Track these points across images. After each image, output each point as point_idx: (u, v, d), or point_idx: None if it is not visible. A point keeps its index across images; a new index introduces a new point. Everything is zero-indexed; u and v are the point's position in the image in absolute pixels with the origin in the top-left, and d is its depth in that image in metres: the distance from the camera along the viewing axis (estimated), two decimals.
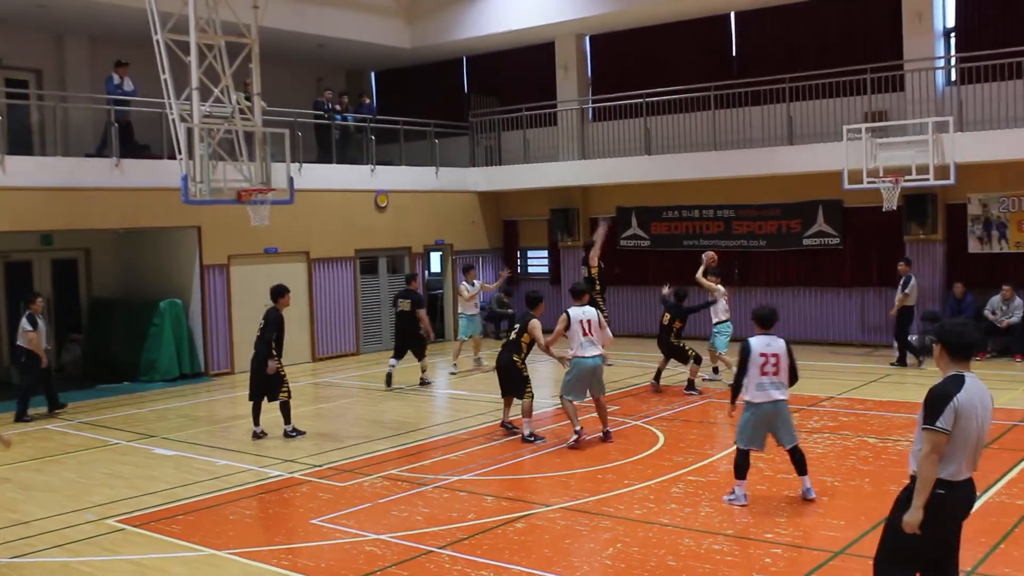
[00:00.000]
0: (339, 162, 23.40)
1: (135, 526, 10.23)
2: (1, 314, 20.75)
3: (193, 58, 15.66)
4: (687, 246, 23.76)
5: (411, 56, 27.10)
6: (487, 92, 27.52)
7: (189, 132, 15.66)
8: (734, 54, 23.78)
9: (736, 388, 10.21)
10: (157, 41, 15.83)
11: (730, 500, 10.14)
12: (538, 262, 27.29)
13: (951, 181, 18.71)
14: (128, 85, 20.00)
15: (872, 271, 21.17)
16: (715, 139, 22.26)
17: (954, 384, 5.97)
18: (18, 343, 16.61)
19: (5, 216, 17.65)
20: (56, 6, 19.87)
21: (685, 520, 9.64)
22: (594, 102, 25.39)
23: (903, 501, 6.07)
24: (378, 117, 25.33)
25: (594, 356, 12.95)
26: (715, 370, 17.80)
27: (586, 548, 9.10)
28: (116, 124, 19.22)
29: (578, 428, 13.01)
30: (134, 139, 19.94)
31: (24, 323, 16.47)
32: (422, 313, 18.34)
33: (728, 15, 23.60)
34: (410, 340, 18.39)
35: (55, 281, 21.63)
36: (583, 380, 12.99)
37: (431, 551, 9.04)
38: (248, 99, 16.74)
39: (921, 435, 5.99)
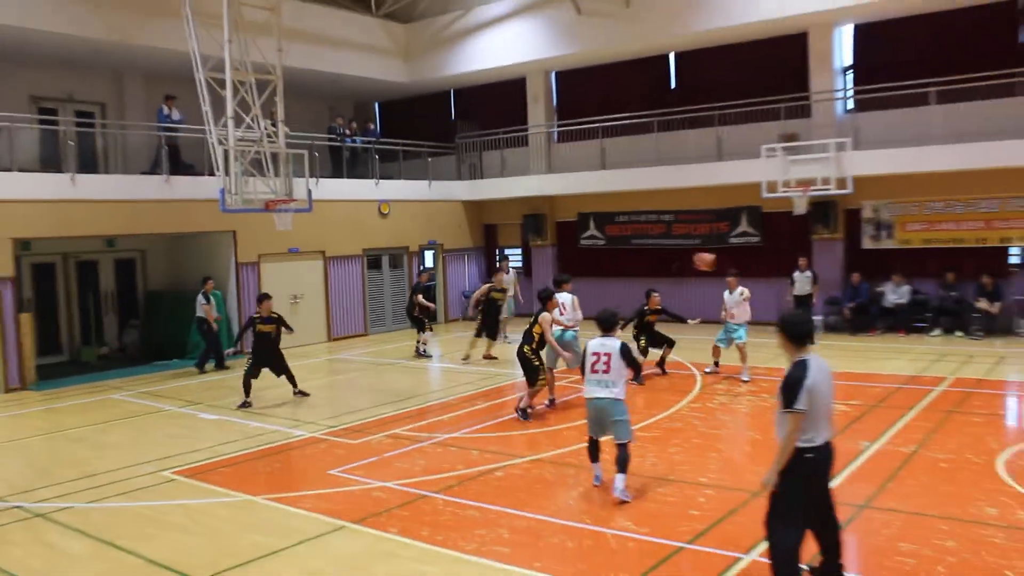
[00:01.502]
0: (349, 177, 23.32)
1: (185, 477, 10.27)
2: (73, 303, 20.63)
3: (228, 92, 15.64)
4: (635, 244, 23.91)
5: (408, 89, 27.02)
6: (471, 118, 27.48)
7: (226, 153, 15.63)
8: (672, 87, 23.82)
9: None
10: (199, 78, 15.80)
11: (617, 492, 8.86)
12: (514, 259, 27.25)
13: (849, 190, 18.84)
14: (176, 115, 19.87)
15: (784, 264, 21.29)
16: (658, 156, 22.32)
17: (801, 369, 5.97)
18: (198, 315, 18.03)
19: (77, 223, 17.55)
20: (116, 50, 19.70)
21: (636, 468, 9.54)
22: (559, 126, 25.38)
23: (783, 472, 6.07)
24: (381, 140, 25.25)
25: (565, 330, 13.50)
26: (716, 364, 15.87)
27: (554, 492, 9.17)
28: (166, 147, 19.12)
29: (552, 397, 13.34)
30: (181, 159, 19.79)
31: (200, 299, 17.91)
32: (418, 297, 19.01)
33: (667, 55, 23.63)
34: (410, 317, 19.24)
35: (117, 277, 21.52)
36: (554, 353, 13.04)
37: (428, 495, 9.12)
38: (274, 125, 16.72)
39: (782, 417, 6.00)
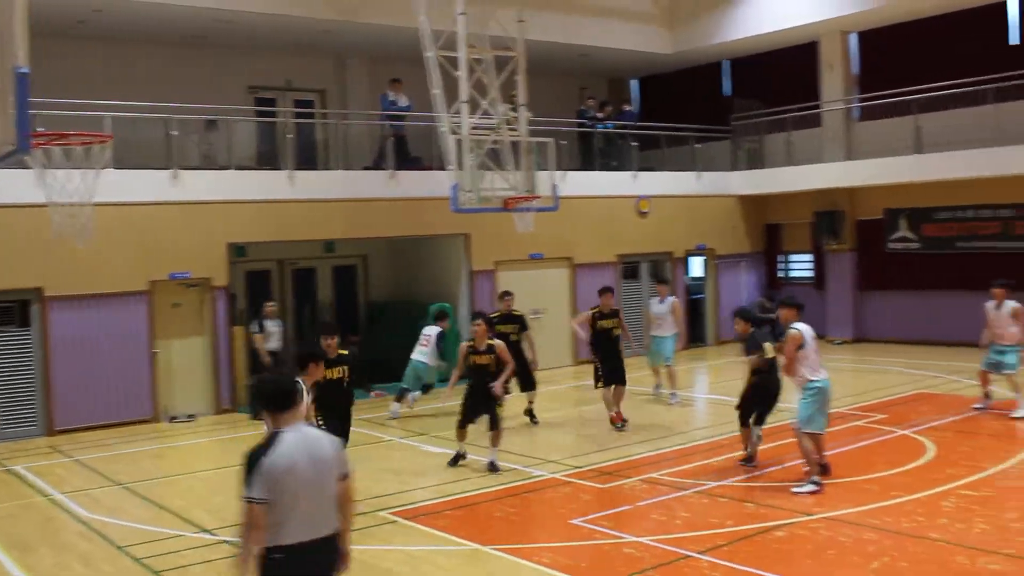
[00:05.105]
0: (601, 169, 23.60)
1: (406, 519, 10.66)
2: (288, 314, 22.06)
3: (462, 72, 16.16)
4: (961, 248, 22.60)
5: (673, 61, 26.95)
6: (750, 95, 27.03)
7: (459, 143, 16.16)
8: (1012, 42, 22.31)
9: None
10: (428, 58, 16.42)
11: None
12: (800, 266, 26.57)
13: None
14: (402, 101, 20.82)
15: None
16: (996, 134, 20.88)
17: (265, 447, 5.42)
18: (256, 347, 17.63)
19: (294, 226, 18.83)
20: (339, 31, 20.96)
21: (957, 536, 9.16)
22: (860, 101, 24.52)
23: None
24: (639, 123, 25.37)
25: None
26: None
27: (849, 560, 8.77)
28: (392, 138, 20.12)
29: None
30: (408, 152, 20.75)
31: (253, 326, 17.67)
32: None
33: (1006, 1, 22.17)
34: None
35: (336, 286, 22.84)
36: None
37: (690, 555, 8.99)
38: (514, 110, 17.11)
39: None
